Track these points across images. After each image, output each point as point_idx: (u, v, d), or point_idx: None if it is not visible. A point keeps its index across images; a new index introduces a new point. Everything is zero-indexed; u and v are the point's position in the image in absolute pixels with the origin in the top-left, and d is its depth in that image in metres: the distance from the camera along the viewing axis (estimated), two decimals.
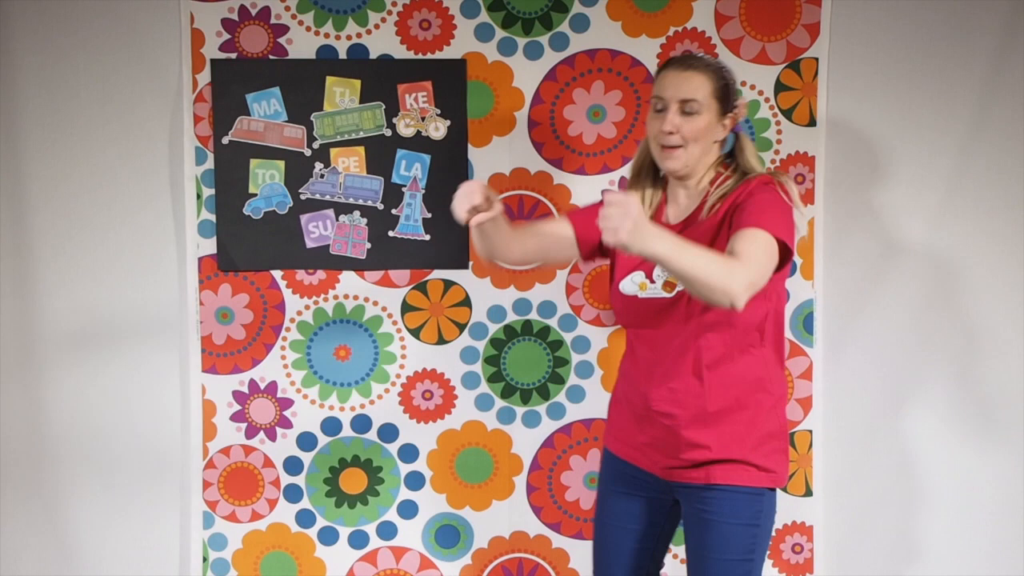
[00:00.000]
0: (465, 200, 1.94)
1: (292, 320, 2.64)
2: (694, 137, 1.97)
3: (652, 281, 2.02)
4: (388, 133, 2.58)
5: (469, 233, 2.58)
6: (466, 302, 2.64)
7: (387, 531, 2.71)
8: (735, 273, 1.75)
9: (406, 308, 2.65)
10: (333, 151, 2.59)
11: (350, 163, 2.59)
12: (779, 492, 2.63)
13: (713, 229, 1.96)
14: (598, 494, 2.25)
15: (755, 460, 1.99)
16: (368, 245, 2.61)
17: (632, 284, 2.05)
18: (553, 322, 2.65)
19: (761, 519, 2.00)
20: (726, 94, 2.00)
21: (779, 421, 2.05)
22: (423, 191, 2.60)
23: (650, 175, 2.11)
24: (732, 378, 1.99)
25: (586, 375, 2.66)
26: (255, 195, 2.59)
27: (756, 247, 1.81)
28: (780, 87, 2.56)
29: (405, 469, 2.69)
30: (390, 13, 2.55)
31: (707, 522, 1.99)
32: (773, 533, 2.02)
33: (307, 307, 2.64)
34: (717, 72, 2.00)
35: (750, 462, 1.99)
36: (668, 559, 2.70)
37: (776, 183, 1.95)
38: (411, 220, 2.61)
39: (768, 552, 2.08)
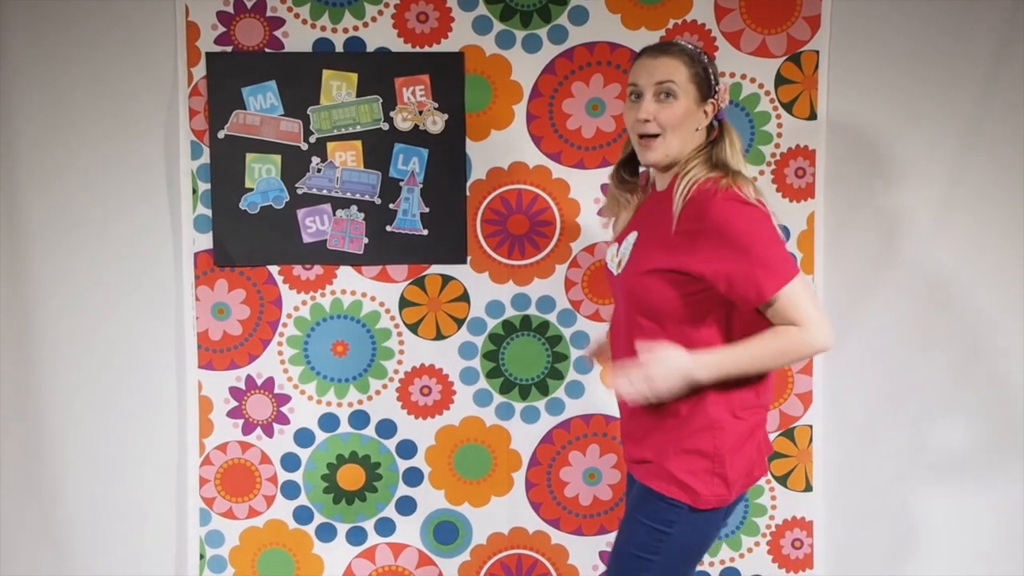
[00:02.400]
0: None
1: (289, 316, 2.62)
2: (672, 124, 1.86)
3: (617, 256, 1.97)
4: (385, 127, 2.56)
5: (467, 228, 2.59)
6: (464, 297, 2.63)
7: (385, 527, 2.70)
8: (812, 341, 1.77)
9: (404, 303, 2.63)
10: (330, 145, 2.57)
11: (347, 157, 2.57)
12: (782, 490, 2.66)
13: (678, 241, 1.83)
14: None
15: (673, 470, 1.88)
16: (365, 240, 2.60)
17: (609, 258, 2.02)
18: (552, 317, 2.64)
19: (673, 528, 1.88)
20: (704, 78, 1.88)
21: (714, 443, 1.88)
22: (421, 185, 2.58)
23: (627, 181, 2.02)
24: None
25: (585, 370, 2.65)
26: (251, 190, 2.57)
27: (793, 310, 1.77)
28: (780, 80, 2.54)
29: (403, 465, 2.68)
30: (387, 6, 2.53)
31: (627, 510, 1.95)
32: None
33: (304, 302, 2.62)
34: (693, 56, 1.89)
35: (667, 470, 1.89)
36: None
37: (734, 196, 1.78)
38: (409, 215, 2.59)
39: (696, 564, 1.99)
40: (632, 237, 1.94)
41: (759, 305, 1.79)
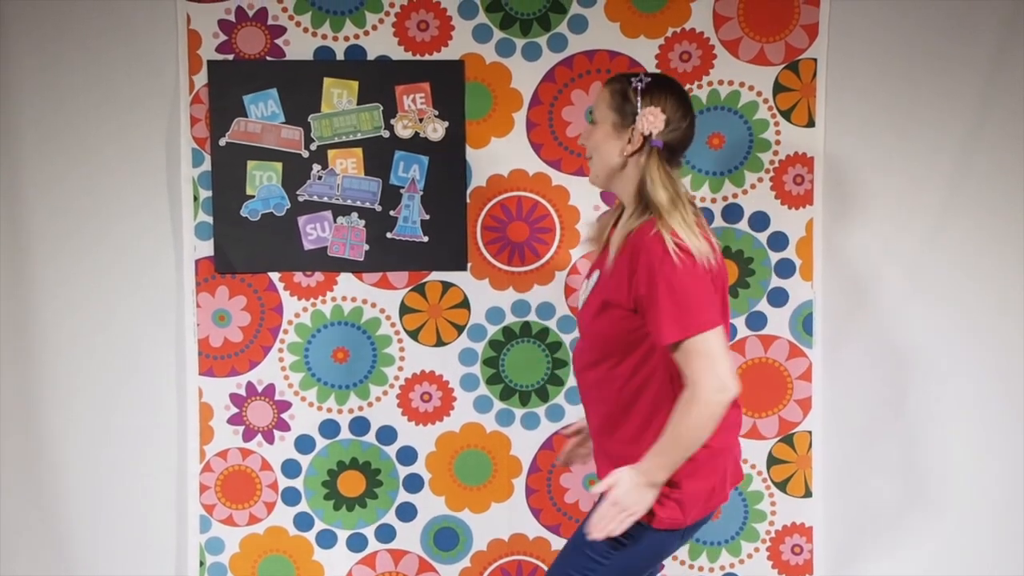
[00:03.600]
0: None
1: (290, 322, 2.63)
2: (592, 147, 1.99)
3: (582, 295, 2.06)
4: (386, 134, 2.57)
5: (467, 235, 2.60)
6: (464, 304, 2.64)
7: (386, 534, 2.70)
8: (712, 399, 1.79)
9: (404, 310, 2.64)
10: (331, 152, 2.58)
11: (348, 164, 2.58)
12: (782, 496, 2.67)
13: (616, 280, 1.90)
14: None
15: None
16: (366, 247, 2.60)
17: (579, 295, 2.10)
18: (552, 323, 2.65)
19: (628, 541, 1.91)
20: (621, 103, 1.93)
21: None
22: (421, 192, 2.59)
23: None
24: (605, 394, 1.97)
25: None
26: (252, 197, 2.58)
27: (695, 362, 1.80)
28: (779, 88, 2.56)
29: (404, 471, 2.68)
30: (388, 14, 2.54)
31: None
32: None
33: (305, 309, 2.63)
34: (619, 83, 1.95)
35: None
36: (668, 561, 2.69)
37: (659, 244, 1.82)
38: (409, 222, 2.60)
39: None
40: (595, 276, 2.01)
41: (669, 351, 1.84)
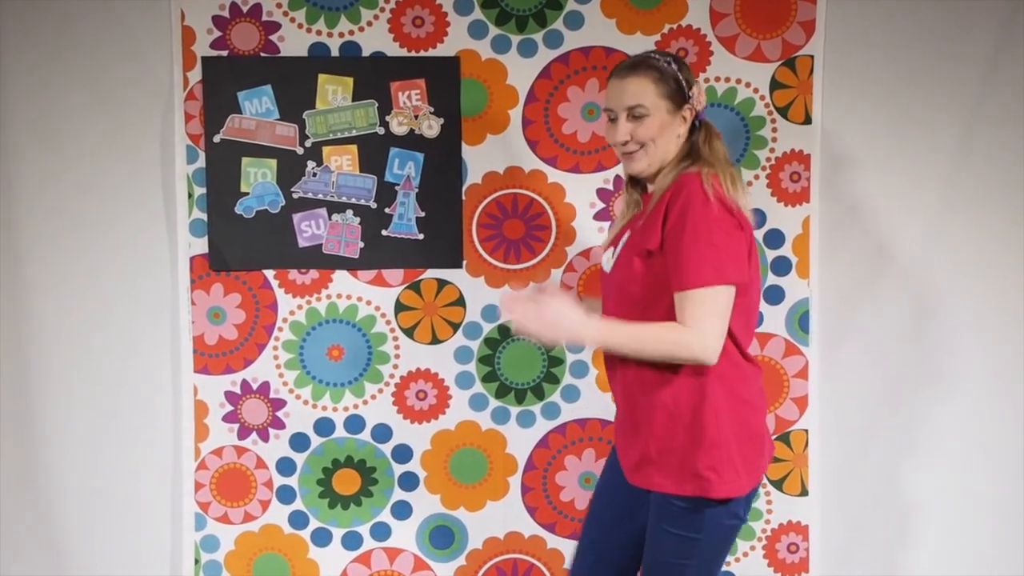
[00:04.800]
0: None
1: (285, 320, 2.62)
2: (650, 138, 1.92)
3: (612, 258, 2.00)
4: (381, 131, 2.56)
5: (463, 232, 2.59)
6: (460, 301, 2.63)
7: (381, 532, 2.70)
8: (691, 344, 1.81)
9: (399, 308, 2.63)
10: (326, 149, 2.57)
11: (343, 162, 2.57)
12: (778, 494, 2.66)
13: (650, 225, 1.89)
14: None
15: (688, 465, 1.88)
16: (361, 244, 2.59)
17: (605, 260, 2.04)
18: None
19: (696, 535, 1.88)
20: (676, 88, 1.92)
21: (718, 431, 1.87)
22: (416, 190, 2.58)
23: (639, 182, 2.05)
24: (642, 373, 1.91)
25: (581, 374, 2.65)
26: (247, 194, 2.57)
27: (696, 309, 1.81)
28: (775, 85, 2.55)
29: (399, 470, 2.68)
30: (383, 10, 2.53)
31: (650, 525, 1.95)
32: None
33: (300, 307, 2.62)
34: (661, 70, 1.92)
35: (679, 466, 1.88)
36: None
37: (699, 190, 1.83)
38: (404, 219, 2.59)
39: (727, 556, 2.00)
40: (626, 237, 1.98)
41: (675, 290, 1.84)
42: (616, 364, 2.00)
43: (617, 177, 2.57)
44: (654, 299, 1.89)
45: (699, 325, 1.81)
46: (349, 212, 2.59)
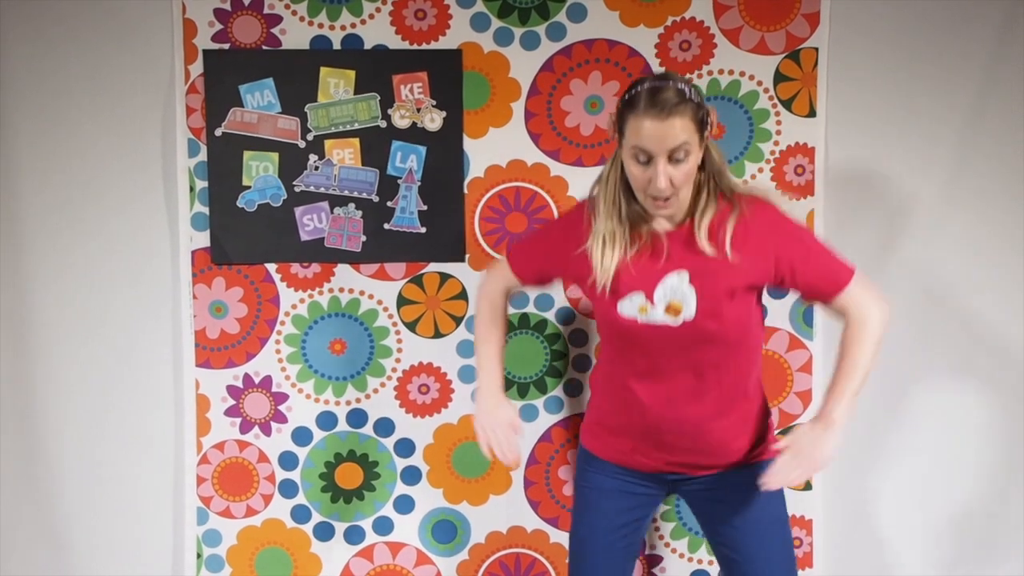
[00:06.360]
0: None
1: (287, 314, 2.62)
2: (686, 181, 1.88)
3: (653, 303, 1.96)
4: (383, 124, 2.56)
5: (465, 226, 2.58)
6: (462, 295, 2.62)
7: (383, 526, 2.69)
8: (887, 319, 1.99)
9: (402, 301, 2.62)
10: (328, 143, 2.56)
11: (345, 155, 2.56)
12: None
13: (748, 262, 1.94)
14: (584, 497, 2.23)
15: (770, 441, 2.11)
16: (363, 238, 2.59)
17: (631, 306, 1.97)
18: (550, 315, 2.63)
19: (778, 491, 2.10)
20: (704, 117, 1.88)
21: (768, 409, 2.17)
22: (419, 183, 2.57)
23: (622, 204, 1.97)
24: (733, 379, 2.03)
25: (584, 368, 2.64)
26: (249, 187, 2.56)
27: (865, 289, 1.99)
28: (779, 77, 2.54)
29: (401, 464, 2.67)
30: (385, 3, 2.52)
31: (753, 494, 2.05)
32: None
33: (302, 300, 2.61)
34: (692, 103, 1.84)
35: (767, 442, 2.11)
36: (667, 553, 2.69)
37: (772, 204, 1.99)
38: (407, 212, 2.59)
39: None
40: (677, 278, 1.94)
41: (835, 294, 1.96)
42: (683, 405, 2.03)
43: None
44: (752, 329, 2.02)
45: (878, 298, 1.98)
46: (351, 205, 2.58)
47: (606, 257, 1.96)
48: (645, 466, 2.11)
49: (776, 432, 2.16)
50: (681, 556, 2.69)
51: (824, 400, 1.97)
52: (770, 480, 1.89)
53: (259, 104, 2.54)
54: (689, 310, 1.93)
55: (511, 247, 2.23)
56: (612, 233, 1.96)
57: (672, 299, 1.94)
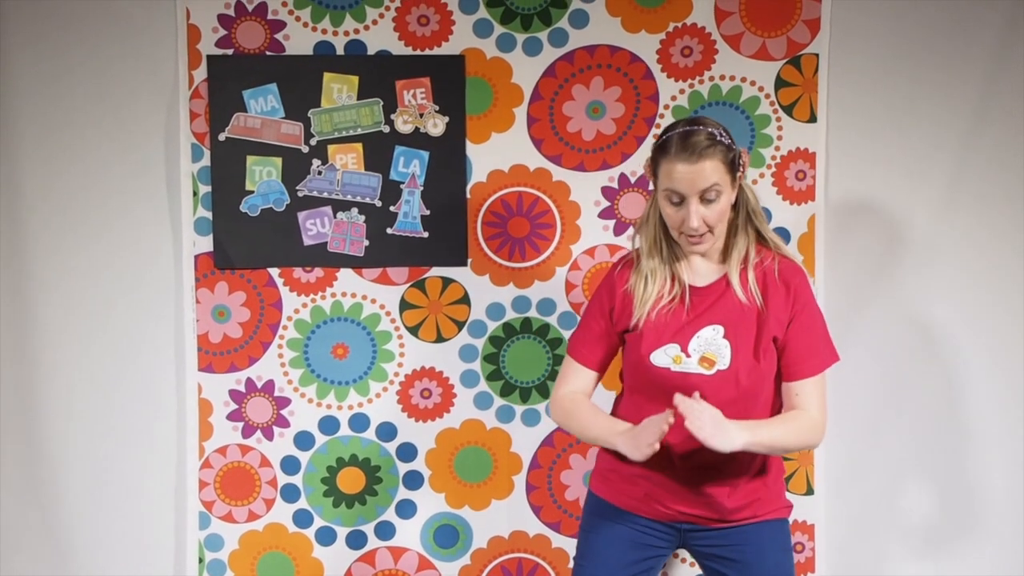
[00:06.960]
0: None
1: (289, 318, 2.62)
2: (720, 219, 1.94)
3: (688, 355, 1.97)
4: (386, 130, 2.57)
5: (468, 230, 2.59)
6: (465, 300, 2.63)
7: (385, 531, 2.69)
8: (817, 431, 1.98)
9: (404, 306, 2.63)
10: (331, 148, 2.57)
11: (348, 160, 2.57)
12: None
13: (775, 315, 1.97)
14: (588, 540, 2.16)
15: (782, 496, 2.13)
16: (366, 242, 2.59)
17: (665, 357, 1.97)
18: (552, 320, 2.64)
19: (791, 544, 2.14)
20: (735, 159, 1.93)
21: (782, 466, 2.17)
22: (421, 188, 2.58)
23: (663, 244, 2.02)
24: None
25: None
26: (252, 192, 2.57)
27: (822, 393, 1.98)
28: (780, 83, 2.55)
29: (403, 468, 2.67)
30: (388, 9, 2.53)
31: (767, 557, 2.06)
32: None
33: (304, 305, 2.62)
34: (722, 145, 1.90)
35: (780, 498, 2.12)
36: (670, 560, 2.68)
37: (803, 271, 2.03)
38: (409, 217, 2.59)
39: None
40: (712, 332, 1.97)
41: (804, 376, 1.96)
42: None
43: (622, 175, 2.58)
44: (772, 381, 2.01)
45: (823, 410, 1.98)
46: (354, 210, 2.59)
47: (647, 290, 2.01)
48: (659, 514, 2.06)
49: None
50: (683, 561, 2.69)
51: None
52: (682, 402, 1.85)
53: (262, 109, 2.55)
54: (723, 361, 1.96)
55: (570, 346, 2.12)
56: (654, 271, 2.02)
57: (707, 352, 1.97)
